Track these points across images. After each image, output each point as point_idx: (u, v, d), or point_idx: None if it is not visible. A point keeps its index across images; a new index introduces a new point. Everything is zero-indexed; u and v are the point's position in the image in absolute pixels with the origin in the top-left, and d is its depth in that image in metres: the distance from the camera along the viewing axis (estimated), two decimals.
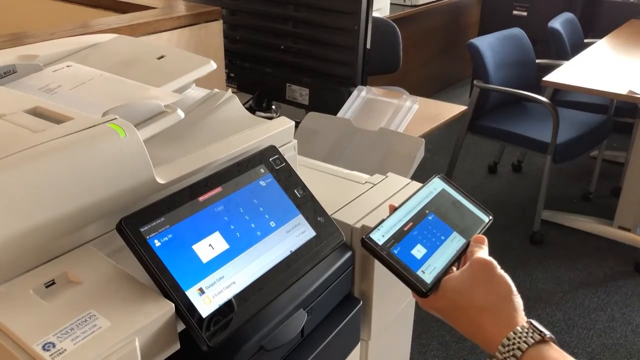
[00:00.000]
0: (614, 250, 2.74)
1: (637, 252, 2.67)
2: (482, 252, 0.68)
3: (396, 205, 0.72)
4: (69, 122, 0.66)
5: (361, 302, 0.93)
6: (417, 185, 1.02)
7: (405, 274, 0.65)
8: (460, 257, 0.69)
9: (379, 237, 0.67)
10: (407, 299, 1.08)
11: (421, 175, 1.05)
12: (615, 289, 2.49)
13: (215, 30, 1.91)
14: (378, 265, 0.91)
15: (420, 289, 0.64)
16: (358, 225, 0.89)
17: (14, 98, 0.75)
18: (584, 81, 2.54)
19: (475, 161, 3.62)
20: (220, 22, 1.90)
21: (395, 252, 0.67)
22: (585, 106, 3.14)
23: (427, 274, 0.66)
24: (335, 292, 0.88)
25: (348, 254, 0.89)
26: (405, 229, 0.69)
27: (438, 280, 0.65)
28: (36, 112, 0.70)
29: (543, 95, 2.75)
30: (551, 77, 2.60)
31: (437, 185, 0.76)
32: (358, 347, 0.97)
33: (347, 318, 0.90)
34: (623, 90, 2.40)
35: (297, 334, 0.77)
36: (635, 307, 2.37)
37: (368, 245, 0.67)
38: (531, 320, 0.59)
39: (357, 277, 0.93)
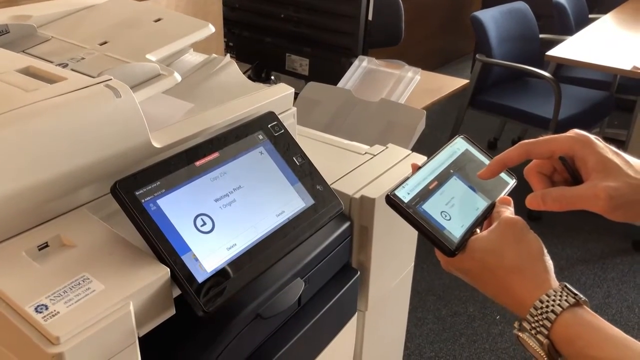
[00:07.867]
0: (611, 228, 2.73)
1: (635, 229, 2.67)
2: (509, 212, 0.66)
3: (419, 164, 0.68)
4: (62, 82, 0.65)
5: (359, 273, 0.93)
6: (417, 156, 1.01)
7: (432, 232, 0.62)
8: (483, 220, 0.67)
9: (404, 194, 0.64)
10: (404, 271, 1.08)
11: (421, 150, 1.04)
12: (612, 265, 2.49)
13: None
14: (377, 237, 0.91)
15: (447, 248, 0.61)
16: (357, 196, 0.88)
17: (6, 57, 0.73)
18: (587, 56, 2.50)
19: (476, 137, 3.51)
20: None
21: (421, 210, 0.63)
22: (588, 82, 3.11)
23: (454, 233, 0.63)
24: (333, 262, 0.88)
25: (346, 224, 0.88)
26: (430, 187, 0.66)
27: (464, 240, 0.62)
28: (29, 72, 0.68)
29: (546, 71, 2.72)
30: (554, 51, 2.56)
31: (460, 145, 0.73)
32: (355, 317, 0.97)
33: (345, 288, 0.89)
34: (627, 66, 2.37)
35: (294, 302, 0.77)
36: (631, 284, 2.38)
37: (393, 202, 0.63)
38: (565, 283, 0.56)
39: (355, 247, 0.92)
